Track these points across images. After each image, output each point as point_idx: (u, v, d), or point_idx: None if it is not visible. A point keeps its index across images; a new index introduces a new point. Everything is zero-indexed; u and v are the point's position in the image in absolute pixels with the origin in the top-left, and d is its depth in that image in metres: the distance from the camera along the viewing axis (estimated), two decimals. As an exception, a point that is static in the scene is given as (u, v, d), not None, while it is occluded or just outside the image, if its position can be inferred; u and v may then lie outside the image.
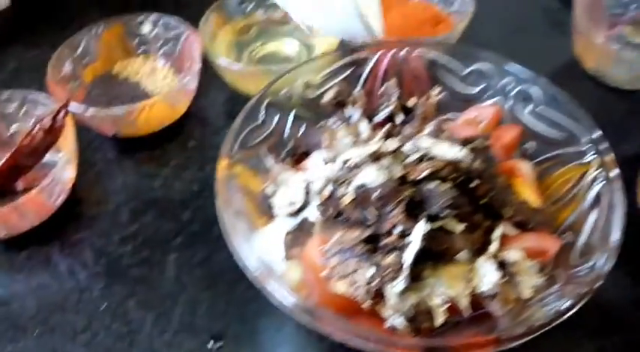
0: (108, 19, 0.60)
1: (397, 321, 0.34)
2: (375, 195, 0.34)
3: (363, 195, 0.34)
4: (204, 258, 0.49)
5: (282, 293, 0.33)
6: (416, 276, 0.35)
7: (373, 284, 0.34)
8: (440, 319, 0.35)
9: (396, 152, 0.36)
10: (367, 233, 0.34)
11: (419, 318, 0.34)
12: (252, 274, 0.34)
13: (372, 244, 0.35)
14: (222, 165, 0.39)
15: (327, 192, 0.36)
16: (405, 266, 0.33)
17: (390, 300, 0.34)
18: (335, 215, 0.36)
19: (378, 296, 0.35)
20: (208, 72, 0.59)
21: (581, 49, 0.62)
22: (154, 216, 0.52)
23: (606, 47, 0.57)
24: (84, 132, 0.57)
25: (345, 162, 0.36)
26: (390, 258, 0.34)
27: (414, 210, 0.35)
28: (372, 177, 0.34)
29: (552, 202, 0.43)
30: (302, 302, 0.32)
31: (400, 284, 0.33)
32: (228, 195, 0.38)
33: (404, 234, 0.34)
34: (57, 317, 0.46)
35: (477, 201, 0.39)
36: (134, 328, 0.45)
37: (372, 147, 0.35)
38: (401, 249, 0.34)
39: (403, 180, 0.35)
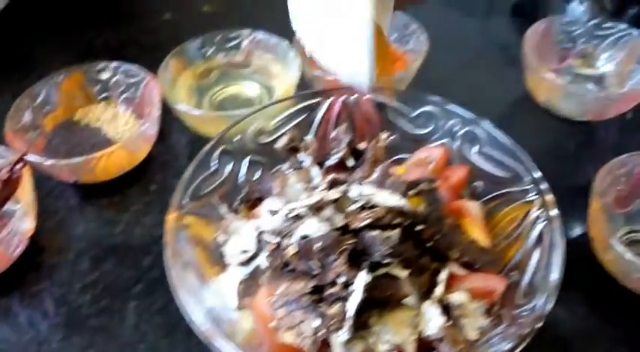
0: (69, 67, 0.61)
1: (343, 371, 0.34)
2: (317, 246, 0.35)
3: (306, 247, 0.35)
4: (164, 305, 0.49)
5: (229, 350, 0.33)
6: (362, 324, 0.36)
7: (319, 334, 0.34)
8: (386, 366, 0.35)
9: (338, 201, 0.37)
10: (312, 284, 0.35)
11: (366, 367, 0.35)
12: (199, 329, 0.35)
13: (318, 294, 0.36)
14: (171, 217, 0.40)
15: (273, 244, 0.37)
16: (348, 317, 0.34)
17: (336, 350, 0.35)
18: (282, 266, 0.37)
19: (325, 345, 0.35)
20: (170, 115, 0.60)
21: (531, 83, 0.65)
22: (114, 264, 0.52)
23: (554, 82, 0.59)
24: (45, 179, 0.58)
25: (287, 214, 0.37)
26: (335, 308, 0.35)
27: (357, 259, 0.36)
28: (313, 228, 0.35)
29: (500, 241, 0.44)
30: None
31: (344, 334, 0.34)
32: (177, 247, 0.39)
33: (347, 284, 0.35)
34: (14, 372, 0.45)
35: (422, 245, 0.40)
36: (93, 380, 0.45)
37: (314, 198, 0.36)
38: (345, 298, 0.35)
39: (345, 230, 0.36)
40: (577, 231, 0.54)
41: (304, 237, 0.35)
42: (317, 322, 0.35)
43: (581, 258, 0.52)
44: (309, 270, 0.36)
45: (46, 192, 0.58)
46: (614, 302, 0.49)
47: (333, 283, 0.35)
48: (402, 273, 0.37)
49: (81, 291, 0.50)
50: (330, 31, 0.40)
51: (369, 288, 0.35)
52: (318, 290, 0.36)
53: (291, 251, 0.36)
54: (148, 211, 0.56)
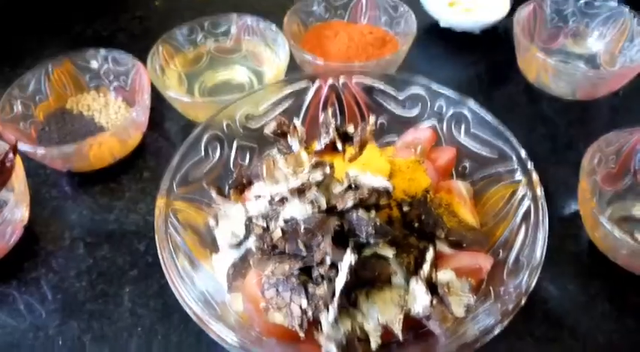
0: (58, 56, 0.61)
1: (330, 348, 0.35)
2: (302, 228, 0.35)
3: (291, 229, 0.35)
4: (159, 289, 0.50)
5: (221, 331, 0.34)
6: (350, 303, 0.36)
7: (307, 314, 0.35)
8: (374, 344, 0.36)
9: (323, 183, 0.37)
10: (298, 265, 0.35)
11: (353, 344, 0.35)
12: (191, 312, 0.35)
13: (306, 275, 0.36)
14: (160, 203, 0.40)
15: (260, 227, 0.38)
16: (335, 296, 0.34)
17: (324, 329, 0.35)
18: (270, 248, 0.37)
19: (315, 324, 0.36)
20: (162, 102, 0.61)
21: (522, 63, 0.64)
22: (109, 250, 0.53)
23: (544, 61, 0.59)
24: (40, 168, 0.58)
25: (272, 198, 0.37)
26: (322, 288, 0.35)
27: (344, 239, 0.36)
28: (297, 210, 0.35)
29: (488, 219, 0.45)
30: (241, 339, 0.33)
31: (331, 313, 0.34)
32: (167, 231, 0.39)
33: (334, 264, 0.35)
34: (12, 357, 0.46)
35: (409, 224, 0.40)
36: (90, 364, 0.46)
37: (297, 181, 0.36)
38: (332, 278, 0.35)
39: (331, 211, 0.36)
40: (569, 208, 0.55)
41: (289, 220, 0.36)
42: (305, 302, 0.35)
43: (572, 234, 0.53)
44: (297, 252, 0.36)
45: (40, 180, 0.58)
46: (605, 279, 0.49)
47: (321, 263, 0.36)
48: (389, 252, 0.37)
49: (77, 277, 0.51)
50: None
51: (356, 268, 0.35)
52: (306, 271, 0.36)
53: (277, 234, 0.36)
54: (142, 197, 0.56)
